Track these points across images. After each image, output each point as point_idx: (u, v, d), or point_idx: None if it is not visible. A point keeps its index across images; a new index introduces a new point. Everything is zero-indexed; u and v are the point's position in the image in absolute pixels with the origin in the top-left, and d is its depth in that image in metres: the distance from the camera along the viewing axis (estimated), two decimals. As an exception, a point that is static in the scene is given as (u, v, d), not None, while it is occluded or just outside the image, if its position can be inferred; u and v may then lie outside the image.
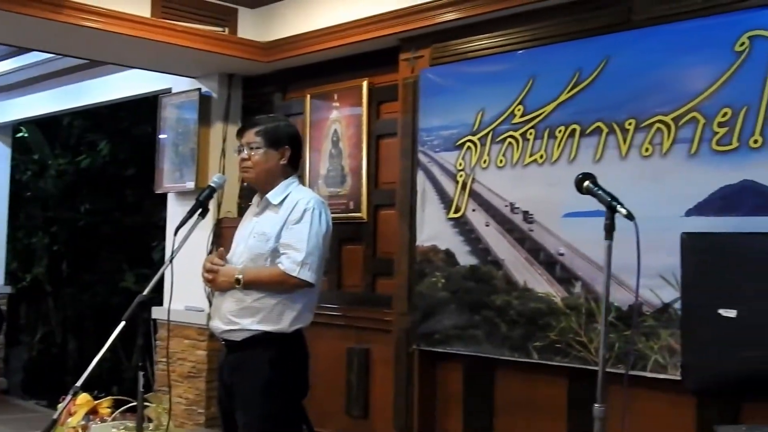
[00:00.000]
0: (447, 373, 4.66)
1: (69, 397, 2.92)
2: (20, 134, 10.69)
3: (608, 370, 3.71)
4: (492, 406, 4.43)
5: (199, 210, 3.27)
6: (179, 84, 6.39)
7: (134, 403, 4.64)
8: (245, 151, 3.40)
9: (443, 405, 4.67)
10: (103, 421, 4.81)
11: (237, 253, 3.37)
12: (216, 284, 3.36)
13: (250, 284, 3.26)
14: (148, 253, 9.27)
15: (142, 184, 8.90)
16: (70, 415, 4.95)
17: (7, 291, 9.46)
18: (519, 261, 4.23)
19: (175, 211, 6.37)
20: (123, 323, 3.02)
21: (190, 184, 6.02)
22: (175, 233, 3.24)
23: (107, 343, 2.98)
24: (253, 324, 3.25)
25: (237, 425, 3.26)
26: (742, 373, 2.08)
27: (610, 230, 2.63)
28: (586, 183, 2.75)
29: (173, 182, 6.30)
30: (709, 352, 2.09)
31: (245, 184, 4.79)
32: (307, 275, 3.25)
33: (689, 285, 2.20)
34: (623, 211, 2.60)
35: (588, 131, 4.01)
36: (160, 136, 6.50)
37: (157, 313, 6.48)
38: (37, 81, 8.28)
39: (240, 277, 3.26)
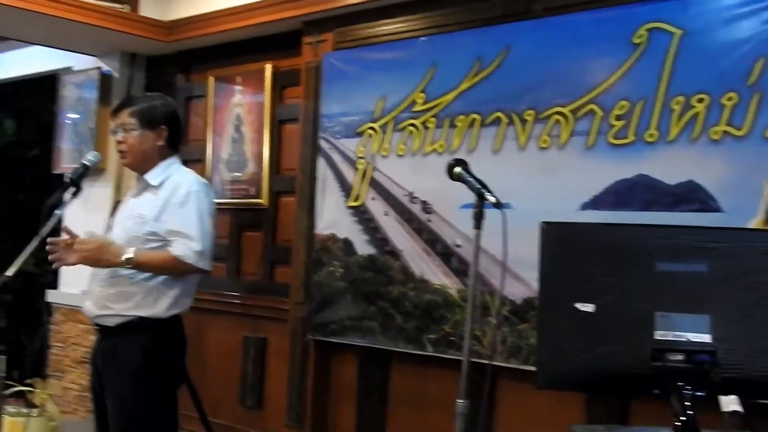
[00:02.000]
0: (341, 365, 4.57)
1: None
2: None
3: (499, 364, 3.73)
4: (385, 399, 4.36)
5: (72, 189, 3.11)
6: (80, 62, 6.17)
7: (20, 388, 4.48)
8: (120, 134, 3.24)
9: (337, 396, 4.59)
10: (-15, 407, 4.60)
11: (113, 235, 3.21)
12: (98, 262, 3.13)
13: (139, 265, 3.10)
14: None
15: (46, 165, 8.62)
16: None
17: None
18: (416, 252, 4.16)
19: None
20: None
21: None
22: (48, 212, 3.07)
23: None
24: (128, 309, 3.12)
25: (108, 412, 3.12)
26: (595, 370, 2.03)
27: (478, 218, 2.57)
28: (457, 169, 2.68)
29: (72, 162, 6.06)
30: (564, 348, 2.04)
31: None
32: (205, 264, 3.14)
33: (547, 277, 2.14)
34: (492, 198, 2.54)
35: (488, 121, 3.96)
36: (60, 116, 6.28)
37: (52, 296, 6.29)
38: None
39: (131, 256, 3.07)
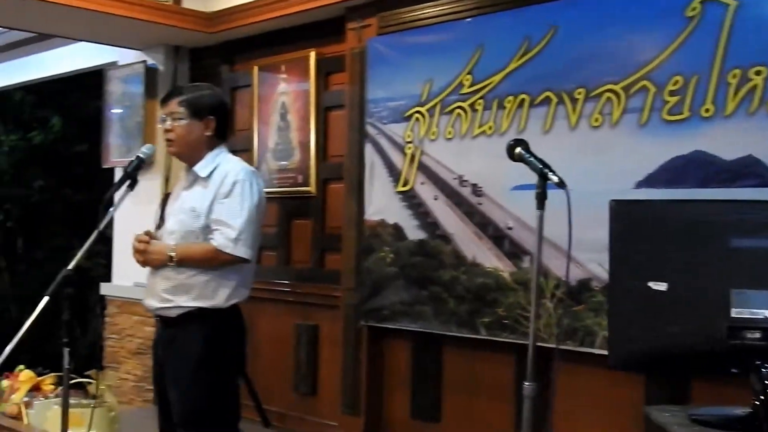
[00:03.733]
0: (394, 350, 4.57)
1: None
2: (-30, 109, 10.45)
3: (555, 346, 3.68)
4: (439, 384, 4.34)
5: (128, 181, 3.12)
6: (125, 57, 6.22)
7: (78, 380, 4.53)
8: (168, 122, 3.24)
9: (390, 382, 4.58)
10: (45, 397, 4.67)
11: (167, 228, 3.22)
12: (148, 262, 3.21)
13: (182, 261, 3.12)
14: (106, 228, 9.11)
15: (93, 160, 8.74)
16: (13, 392, 4.82)
17: (-42, 269, 9.26)
18: (467, 235, 4.13)
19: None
20: (47, 298, 2.87)
21: (139, 158, 5.86)
22: (105, 206, 3.09)
23: (30, 319, 2.84)
24: (188, 301, 3.12)
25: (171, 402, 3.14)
26: (667, 350, 1.98)
27: (541, 199, 2.51)
28: (518, 150, 2.63)
29: (120, 157, 6.13)
30: (635, 328, 1.99)
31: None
32: (242, 251, 3.12)
33: (617, 256, 2.09)
34: (554, 178, 2.48)
35: (537, 101, 3.90)
36: (107, 111, 6.34)
37: (105, 289, 6.36)
38: (-17, 55, 8.07)
39: (173, 254, 3.11)
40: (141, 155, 3.21)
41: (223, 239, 3.08)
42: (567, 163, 3.68)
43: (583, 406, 3.76)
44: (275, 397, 5.07)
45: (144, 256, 3.19)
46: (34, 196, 10.82)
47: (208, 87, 3.39)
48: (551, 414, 2.49)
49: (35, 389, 4.75)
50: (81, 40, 6.55)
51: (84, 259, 9.62)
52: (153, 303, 3.21)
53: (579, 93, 3.75)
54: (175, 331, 3.15)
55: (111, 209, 3.13)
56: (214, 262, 3.12)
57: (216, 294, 3.14)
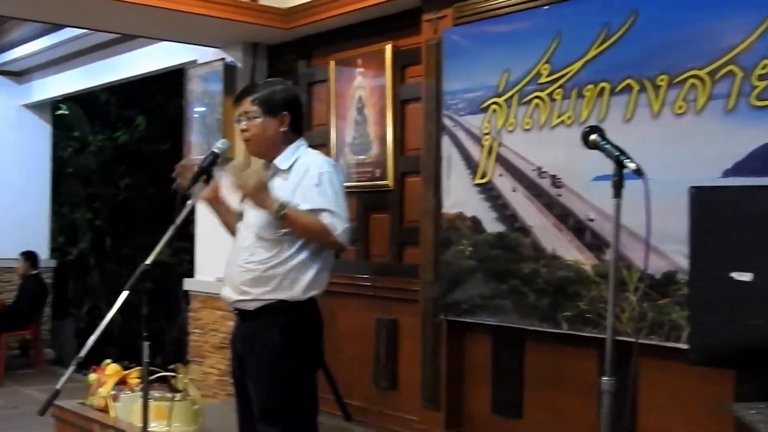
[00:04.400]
0: (474, 345, 4.51)
1: (72, 367, 2.83)
2: (60, 111, 10.77)
3: (640, 341, 3.58)
4: (521, 379, 4.27)
5: (203, 177, 3.15)
6: (205, 55, 6.31)
7: (163, 374, 4.62)
8: (243, 122, 3.25)
9: (471, 377, 4.53)
10: (132, 390, 4.78)
11: (247, 221, 3.24)
12: (251, 189, 3.05)
13: (289, 217, 3.04)
14: (184, 226, 9.30)
15: (176, 158, 8.92)
16: (101, 385, 4.94)
17: (51, 265, 9.55)
18: (547, 227, 4.05)
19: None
20: (126, 293, 2.91)
21: (218, 155, 5.93)
22: (181, 201, 3.12)
23: (110, 314, 2.89)
24: (266, 293, 3.13)
25: (250, 396, 3.16)
26: (752, 344, 1.89)
27: (618, 187, 2.44)
28: (593, 136, 2.56)
29: (201, 154, 6.18)
30: (718, 321, 1.90)
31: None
32: (345, 239, 3.14)
33: (697, 245, 2.00)
34: (632, 165, 2.40)
35: (618, 89, 3.79)
36: (188, 109, 6.43)
37: (189, 284, 6.47)
38: (70, 58, 8.32)
39: (284, 204, 3.03)
40: (216, 150, 3.24)
41: (334, 222, 3.07)
42: (650, 152, 3.59)
43: (670, 402, 3.65)
44: (356, 391, 5.09)
45: (255, 190, 3.04)
46: (121, 195, 11.12)
47: (280, 82, 3.39)
48: (629, 410, 2.41)
49: (121, 383, 4.86)
50: (162, 40, 6.68)
51: (169, 255, 9.86)
52: (231, 295, 3.23)
53: (662, 80, 3.64)
54: (253, 324, 3.17)
55: (187, 203, 3.14)
56: (319, 237, 3.10)
57: (294, 286, 3.14)
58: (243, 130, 3.26)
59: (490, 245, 4.27)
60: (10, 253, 8.96)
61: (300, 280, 3.15)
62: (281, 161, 3.22)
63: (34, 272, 8.80)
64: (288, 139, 3.25)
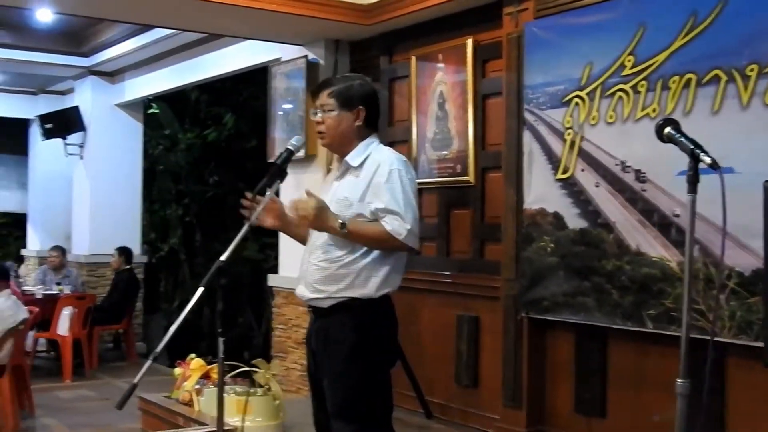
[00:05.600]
0: (556, 342, 4.44)
1: (149, 362, 2.87)
2: (151, 110, 11.03)
3: (727, 341, 3.47)
4: (604, 378, 4.18)
5: (278, 173, 3.15)
6: (288, 53, 6.37)
7: (244, 368, 4.68)
8: (318, 114, 3.25)
9: (553, 375, 4.46)
10: (215, 385, 4.84)
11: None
12: (315, 222, 3.06)
13: (353, 233, 3.07)
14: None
15: (263, 155, 9.05)
16: (185, 379, 5.03)
17: (143, 261, 9.80)
18: (631, 223, 3.95)
19: (288, 179, 6.31)
20: (201, 289, 2.92)
21: (301, 152, 5.97)
22: (255, 197, 3.12)
23: (185, 310, 2.91)
24: (339, 291, 3.12)
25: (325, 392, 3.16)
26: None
27: (693, 182, 2.34)
28: (667, 129, 2.46)
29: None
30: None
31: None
32: (412, 241, 3.09)
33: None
34: (707, 159, 2.31)
35: (705, 80, 3.68)
36: (272, 106, 6.51)
37: (272, 280, 6.54)
38: (160, 58, 8.51)
39: (345, 223, 3.06)
40: (290, 147, 3.23)
41: (397, 225, 3.05)
42: (738, 145, 3.48)
43: (760, 404, 3.51)
44: (437, 389, 5.06)
45: (315, 215, 3.03)
46: (210, 192, 11.33)
47: (358, 77, 3.37)
48: (705, 412, 2.32)
49: (205, 377, 4.94)
50: (247, 39, 6.77)
51: (256, 251, 9.98)
52: (305, 293, 3.23)
53: (751, 69, 3.50)
54: (327, 321, 3.16)
55: (263, 200, 3.15)
56: (384, 245, 3.08)
57: (367, 283, 3.12)
58: (318, 123, 3.26)
59: (573, 241, 4.19)
60: (104, 249, 9.22)
61: (373, 277, 3.13)
62: (353, 158, 3.20)
63: (127, 267, 9.03)
64: (362, 135, 3.23)
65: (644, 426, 3.97)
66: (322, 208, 3.06)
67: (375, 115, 3.28)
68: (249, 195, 3.16)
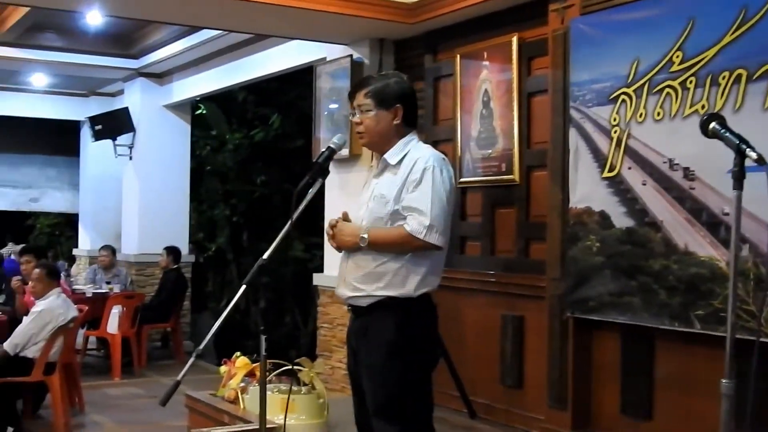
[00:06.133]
0: (603, 343, 4.38)
1: (192, 359, 2.89)
2: (199, 111, 11.14)
3: (756, 338, 3.37)
4: (651, 379, 4.11)
5: (320, 172, 3.15)
6: (333, 52, 6.38)
7: (289, 367, 4.69)
8: (357, 115, 3.25)
9: (599, 376, 4.40)
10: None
11: (358, 217, 3.24)
12: (339, 242, 3.22)
13: (374, 244, 3.10)
14: (315, 221, 9.47)
15: (309, 155, 9.09)
16: (231, 377, 5.06)
17: (190, 260, 9.89)
18: (679, 222, 3.87)
19: (332, 178, 6.36)
20: (244, 287, 2.95)
21: (345, 152, 5.97)
22: (297, 196, 3.13)
23: (228, 308, 2.94)
24: (378, 290, 3.12)
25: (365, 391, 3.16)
26: None
27: (739, 178, 2.29)
28: (712, 125, 2.41)
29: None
30: None
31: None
32: (434, 238, 3.07)
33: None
34: (753, 155, 2.25)
35: (756, 76, 3.59)
36: (317, 106, 6.52)
37: (318, 279, 6.56)
38: (207, 59, 8.59)
39: (365, 236, 3.10)
40: (332, 145, 3.23)
41: (417, 224, 3.05)
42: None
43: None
44: (481, 389, 5.03)
45: (335, 237, 3.20)
46: (257, 192, 11.41)
47: (395, 75, 3.37)
48: (751, 415, 2.26)
49: (250, 375, 4.96)
50: (293, 38, 6.80)
51: (302, 250, 10.02)
52: (344, 291, 3.24)
53: (803, 64, 3.42)
54: (366, 320, 3.16)
55: (303, 199, 3.16)
56: (406, 247, 3.09)
57: (406, 282, 3.12)
58: (357, 123, 3.26)
59: (619, 241, 4.13)
60: (153, 248, 9.33)
61: (411, 277, 3.12)
62: (391, 156, 3.20)
63: (175, 266, 9.12)
64: (400, 132, 3.23)
65: (692, 429, 3.90)
66: (341, 228, 3.18)
67: (413, 112, 3.28)
68: (333, 220, 3.24)
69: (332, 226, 3.24)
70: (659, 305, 3.91)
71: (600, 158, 4.28)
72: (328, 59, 6.42)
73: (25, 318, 6.06)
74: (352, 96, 3.30)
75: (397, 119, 3.20)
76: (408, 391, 3.08)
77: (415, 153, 3.17)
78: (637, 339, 4.14)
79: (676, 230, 3.88)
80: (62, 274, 7.22)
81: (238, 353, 5.19)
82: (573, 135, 4.43)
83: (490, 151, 5.16)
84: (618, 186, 4.17)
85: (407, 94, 3.26)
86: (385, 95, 3.20)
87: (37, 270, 6.29)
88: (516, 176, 4.97)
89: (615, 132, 4.20)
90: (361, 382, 3.17)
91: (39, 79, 10.33)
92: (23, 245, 9.33)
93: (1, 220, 12.94)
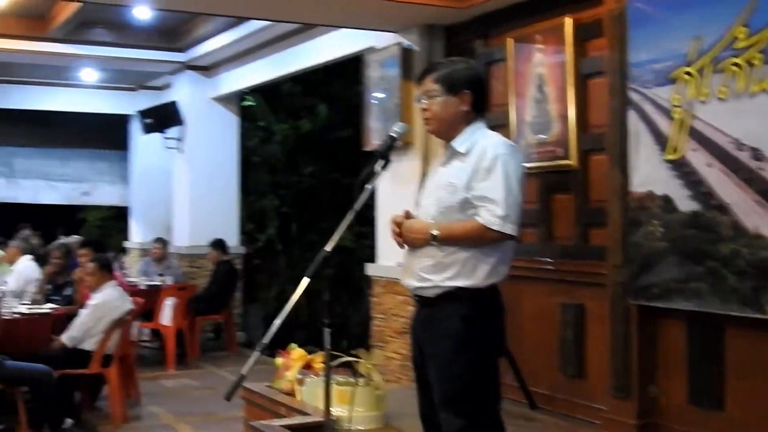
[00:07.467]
0: (668, 331, 4.25)
1: (257, 354, 2.86)
2: (246, 103, 11.16)
3: None
4: (721, 368, 3.97)
5: (381, 161, 3.09)
6: (382, 40, 6.31)
7: (346, 359, 4.64)
8: (424, 101, 3.17)
9: (665, 365, 4.27)
10: (316, 375, 4.84)
11: (425, 205, 3.16)
12: (408, 242, 3.14)
13: (446, 239, 3.04)
14: (365, 211, 9.43)
15: (357, 145, 9.06)
16: (287, 369, 5.04)
17: (241, 251, 9.92)
18: (748, 204, 3.74)
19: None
20: (308, 279, 2.90)
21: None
22: (360, 187, 3.08)
23: (292, 300, 2.89)
24: (446, 280, 3.05)
25: (431, 383, 3.09)
26: None
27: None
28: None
29: (380, 139, 6.22)
30: None
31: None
32: (509, 228, 3.00)
33: None
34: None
35: (827, 51, 3.45)
36: (367, 95, 6.46)
37: (371, 269, 6.51)
38: (254, 50, 8.59)
39: (436, 232, 3.03)
40: (393, 134, 3.18)
41: (490, 216, 2.97)
42: None
43: None
44: (541, 379, 4.93)
45: (403, 236, 3.14)
46: (305, 182, 11.40)
47: (463, 61, 3.30)
48: None
49: (307, 367, 4.93)
50: (340, 27, 6.75)
51: (350, 240, 10.00)
52: (411, 282, 3.17)
53: None
54: (433, 311, 3.09)
55: (366, 189, 3.10)
56: (480, 240, 3.01)
57: (475, 272, 3.04)
58: (423, 109, 3.18)
59: (684, 225, 4.01)
60: (204, 240, 9.37)
61: (480, 266, 3.05)
62: (459, 143, 3.12)
63: (226, 258, 9.15)
64: (468, 119, 3.14)
65: (766, 418, 3.77)
66: (408, 227, 3.07)
67: (482, 99, 3.20)
68: (398, 217, 3.16)
69: (398, 224, 3.14)
70: (728, 291, 3.78)
71: (661, 140, 4.15)
72: (376, 47, 6.35)
73: (82, 311, 6.11)
74: (419, 81, 3.23)
75: (464, 105, 3.12)
76: (475, 383, 3.01)
77: (484, 141, 3.09)
78: (705, 326, 4.02)
79: (745, 213, 3.74)
80: (115, 266, 7.29)
81: (294, 345, 5.17)
82: (632, 117, 4.30)
83: (545, 136, 5.06)
84: (681, 168, 4.04)
85: (476, 79, 3.19)
86: (453, 80, 3.12)
87: (91, 263, 6.34)
88: (573, 161, 4.85)
89: (677, 113, 4.07)
90: (426, 374, 3.11)
91: (89, 74, 10.43)
92: (75, 237, 9.45)
93: (53, 213, 13.10)
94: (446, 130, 3.16)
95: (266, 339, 2.87)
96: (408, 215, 3.15)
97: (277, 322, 2.92)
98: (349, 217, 3.06)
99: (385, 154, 3.12)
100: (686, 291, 3.98)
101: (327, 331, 2.94)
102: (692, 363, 4.13)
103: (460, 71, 3.15)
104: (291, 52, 8.02)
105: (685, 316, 4.11)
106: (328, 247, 3.00)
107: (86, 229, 14.23)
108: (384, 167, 3.12)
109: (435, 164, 3.34)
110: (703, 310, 3.94)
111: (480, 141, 3.10)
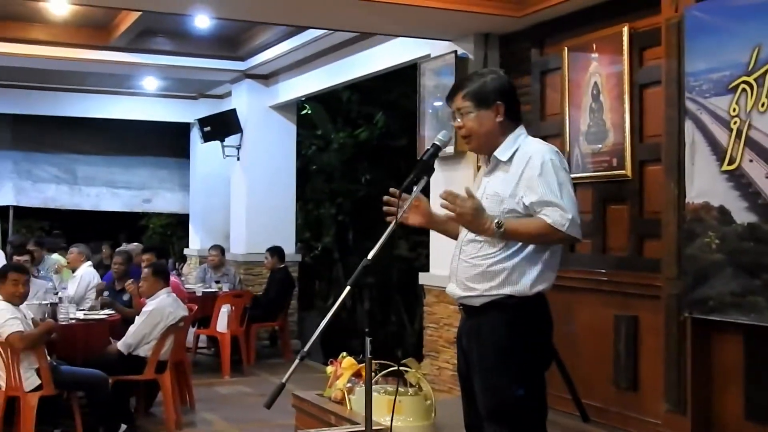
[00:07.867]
0: (724, 345, 4.16)
1: (297, 361, 2.86)
2: (304, 111, 11.26)
3: None
4: (778, 383, 3.88)
5: (425, 170, 3.08)
6: (437, 49, 6.31)
7: (395, 368, 4.64)
8: (458, 119, 3.15)
9: (720, 380, 4.18)
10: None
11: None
12: (465, 217, 2.94)
13: (510, 232, 2.95)
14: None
15: (414, 153, 9.06)
16: (337, 377, 5.05)
17: (297, 259, 9.99)
18: (806, 217, 3.65)
19: (437, 176, 6.25)
20: (349, 288, 2.90)
21: (450, 149, 5.88)
22: (401, 194, 3.07)
23: (333, 308, 2.90)
24: (492, 288, 3.02)
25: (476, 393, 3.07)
26: None
27: None
28: None
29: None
30: None
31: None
32: (575, 231, 2.97)
33: None
34: None
35: None
36: (422, 103, 6.47)
37: (424, 278, 6.50)
38: (312, 59, 8.66)
39: (502, 224, 2.93)
40: (437, 142, 3.15)
41: (558, 217, 2.93)
42: None
43: None
44: (594, 391, 4.86)
45: (471, 215, 2.93)
46: (362, 190, 11.44)
47: (491, 72, 3.26)
48: None
49: (357, 375, 4.93)
50: (397, 36, 6.78)
51: (407, 249, 9.99)
52: (456, 291, 3.15)
53: None
54: (478, 320, 3.07)
55: (408, 196, 3.09)
56: (546, 239, 2.98)
57: (520, 281, 3.01)
58: (459, 128, 3.16)
59: (741, 237, 3.92)
60: (260, 248, 9.46)
61: (527, 274, 3.02)
62: (501, 152, 3.09)
63: (282, 266, 9.21)
64: (506, 129, 3.12)
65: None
66: (479, 210, 2.96)
67: (515, 107, 3.16)
68: (393, 191, 3.10)
69: (455, 196, 2.98)
70: (786, 305, 3.69)
71: (719, 151, 4.07)
72: (432, 56, 6.36)
73: (137, 318, 6.21)
74: (449, 99, 3.20)
75: (499, 116, 3.10)
76: (521, 392, 2.98)
77: (526, 148, 3.07)
78: (763, 340, 3.92)
79: (804, 226, 3.65)
80: (173, 273, 7.38)
81: (344, 353, 5.18)
82: (689, 127, 4.23)
83: (600, 145, 5.00)
84: (739, 180, 3.96)
85: (506, 89, 3.15)
86: (483, 94, 3.09)
87: (145, 269, 6.44)
88: (628, 171, 4.79)
89: (735, 123, 3.99)
90: (472, 384, 3.09)
91: (150, 83, 10.63)
92: (136, 244, 9.61)
93: (115, 220, 13.35)
94: (486, 144, 3.14)
95: (307, 346, 2.86)
96: (469, 194, 3.04)
97: (319, 329, 2.92)
98: (391, 227, 3.05)
99: (428, 161, 3.10)
100: (743, 304, 3.89)
101: (368, 341, 2.93)
102: (749, 377, 4.03)
103: (489, 83, 3.12)
104: (348, 60, 8.07)
105: (741, 329, 4.02)
106: (369, 256, 2.98)
107: (148, 235, 14.49)
108: (428, 175, 3.10)
109: (480, 175, 3.31)
110: (760, 324, 3.85)
111: (522, 148, 3.08)
